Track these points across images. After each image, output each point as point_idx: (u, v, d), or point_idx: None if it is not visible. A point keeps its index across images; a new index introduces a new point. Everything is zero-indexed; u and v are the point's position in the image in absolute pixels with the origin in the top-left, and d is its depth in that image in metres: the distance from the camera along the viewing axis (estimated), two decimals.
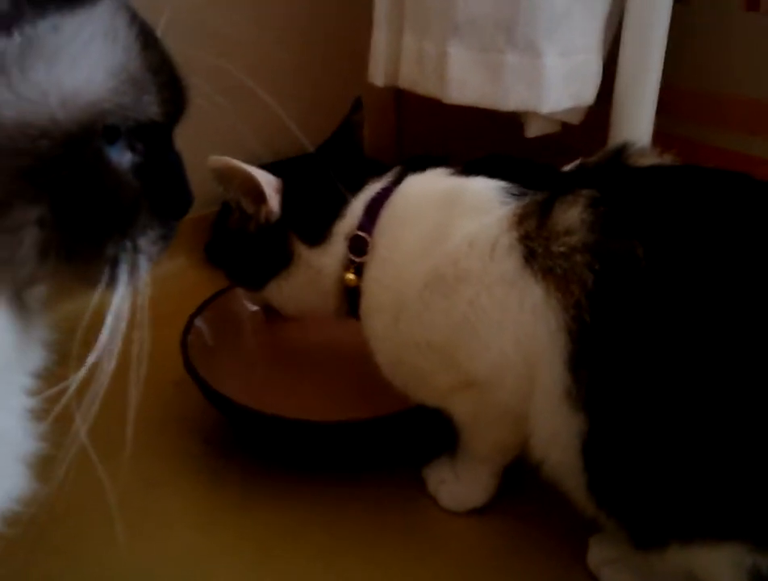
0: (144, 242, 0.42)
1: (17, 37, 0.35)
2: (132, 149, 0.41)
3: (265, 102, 1.45)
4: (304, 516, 0.81)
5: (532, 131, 1.04)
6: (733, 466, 0.56)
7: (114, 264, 0.41)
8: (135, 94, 0.39)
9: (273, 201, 0.80)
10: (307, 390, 0.93)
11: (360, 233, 0.77)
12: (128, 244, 0.41)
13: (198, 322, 0.91)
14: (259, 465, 0.86)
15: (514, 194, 0.69)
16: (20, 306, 0.40)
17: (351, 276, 0.78)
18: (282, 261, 0.81)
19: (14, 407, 0.43)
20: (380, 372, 0.78)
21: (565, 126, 1.06)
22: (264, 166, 0.82)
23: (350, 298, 0.79)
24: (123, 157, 0.41)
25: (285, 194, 0.81)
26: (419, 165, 0.83)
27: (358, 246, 0.77)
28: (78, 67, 0.37)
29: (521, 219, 0.65)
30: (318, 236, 0.79)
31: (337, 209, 0.79)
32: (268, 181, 0.79)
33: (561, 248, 0.61)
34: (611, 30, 1.01)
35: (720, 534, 0.58)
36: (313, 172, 0.82)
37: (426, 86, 0.98)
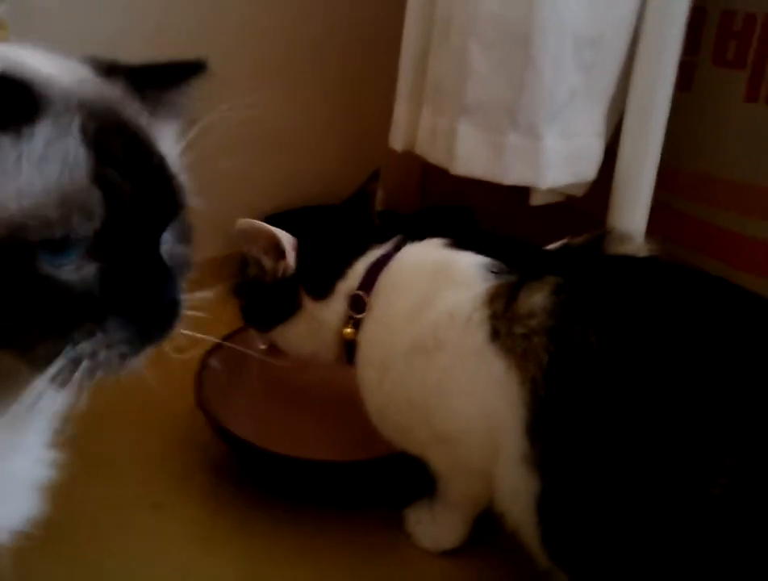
0: (89, 346, 0.42)
1: None
2: (94, 257, 0.42)
3: (294, 156, 1.60)
4: (296, 545, 0.89)
5: (536, 200, 1.12)
6: (658, 538, 0.63)
7: (49, 362, 0.41)
8: (69, 211, 0.40)
9: (291, 259, 0.88)
10: (309, 429, 1.02)
11: (359, 293, 0.86)
12: (66, 347, 0.42)
13: (213, 360, 1.00)
14: (260, 494, 0.95)
15: (494, 272, 0.77)
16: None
17: (349, 330, 0.86)
18: (290, 310, 0.90)
19: (32, 445, 0.51)
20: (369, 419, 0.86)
21: None
22: (274, 216, 0.91)
23: (348, 350, 0.88)
24: (64, 267, 0.41)
25: (299, 251, 0.90)
26: (429, 224, 0.91)
27: (357, 304, 0.86)
28: (0, 188, 0.39)
29: (492, 298, 0.73)
30: (323, 291, 0.88)
31: (342, 269, 0.88)
32: (288, 242, 0.88)
33: (522, 330, 0.69)
34: (615, 113, 1.08)
35: None
36: (324, 233, 0.91)
37: (437, 157, 1.07)
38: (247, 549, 0.88)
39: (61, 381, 0.42)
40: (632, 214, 1.09)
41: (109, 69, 0.49)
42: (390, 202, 1.00)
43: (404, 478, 0.92)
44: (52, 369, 0.41)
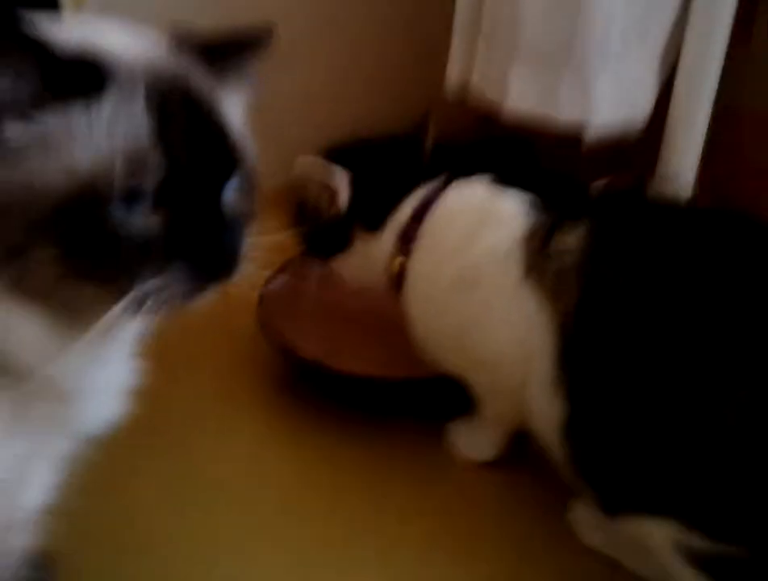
0: (155, 283, 0.49)
1: (27, 124, 0.45)
2: (159, 209, 0.48)
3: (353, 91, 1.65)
4: (343, 448, 1.00)
5: (590, 139, 1.14)
6: (671, 459, 0.69)
7: (123, 294, 0.49)
8: (133, 169, 0.47)
9: (346, 194, 0.95)
10: (365, 348, 1.10)
11: (408, 227, 0.92)
12: (135, 283, 0.48)
13: (274, 283, 1.09)
14: (314, 404, 1.06)
15: (535, 211, 0.82)
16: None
17: (398, 262, 0.93)
18: (346, 241, 0.97)
19: (119, 356, 0.60)
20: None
21: None
22: (335, 150, 0.97)
23: (397, 280, 0.95)
24: (132, 216, 0.48)
25: (354, 187, 0.96)
26: (485, 156, 0.96)
27: (406, 237, 0.92)
28: (74, 149, 0.46)
29: (531, 236, 0.79)
30: (375, 225, 0.95)
31: (392, 204, 0.94)
32: (343, 178, 0.94)
33: (555, 267, 0.75)
34: (671, 53, 1.08)
35: (658, 512, 0.72)
36: (377, 170, 0.96)
37: (491, 95, 1.09)
38: (300, 450, 1.01)
39: (133, 310, 0.49)
40: (684, 155, 1.10)
41: (181, 40, 0.54)
42: (449, 135, 1.04)
43: (448, 396, 1.00)
44: (125, 301, 0.49)
